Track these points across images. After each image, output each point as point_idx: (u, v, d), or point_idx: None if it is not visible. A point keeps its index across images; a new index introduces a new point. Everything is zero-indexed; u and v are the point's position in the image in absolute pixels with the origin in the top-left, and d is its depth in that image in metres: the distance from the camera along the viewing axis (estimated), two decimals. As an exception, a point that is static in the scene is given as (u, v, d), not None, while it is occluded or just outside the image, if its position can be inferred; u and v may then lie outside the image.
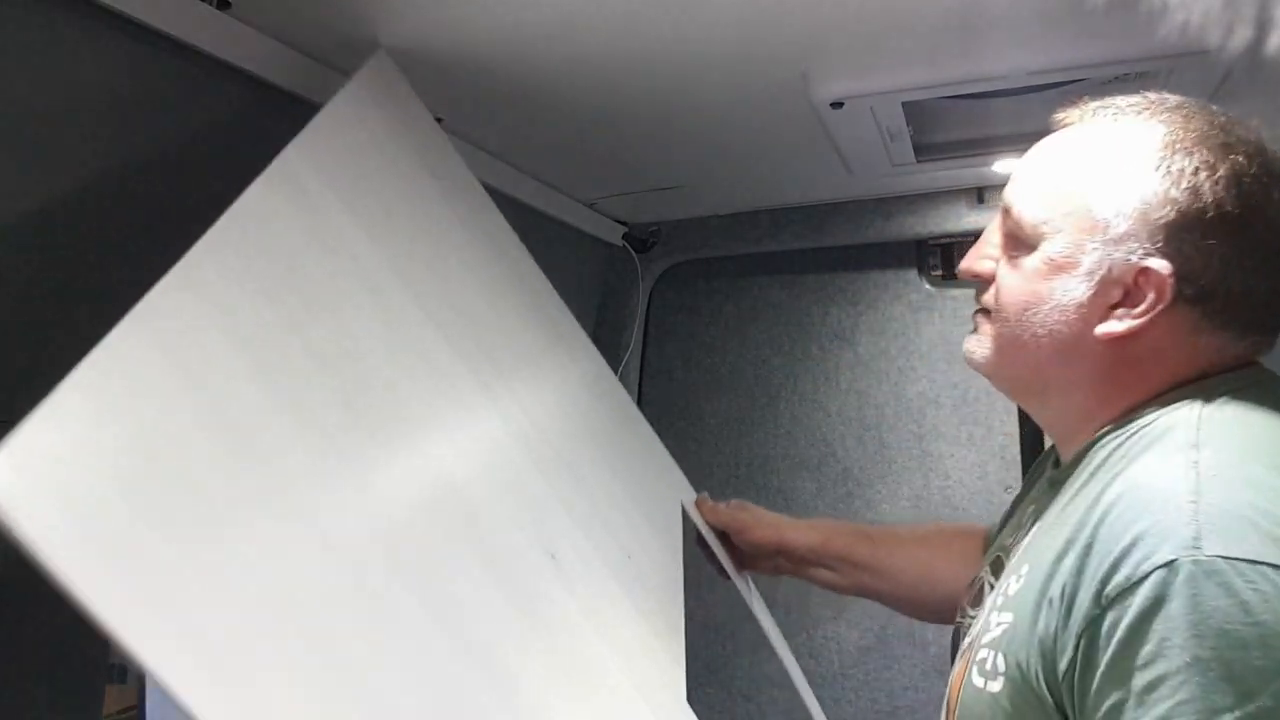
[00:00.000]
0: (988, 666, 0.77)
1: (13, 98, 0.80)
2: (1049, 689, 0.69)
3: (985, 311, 0.88)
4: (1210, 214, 0.73)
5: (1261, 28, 0.81)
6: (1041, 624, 0.70)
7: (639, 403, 2.01)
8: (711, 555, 1.22)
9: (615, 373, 1.96)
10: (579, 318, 1.94)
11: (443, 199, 1.00)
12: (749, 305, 1.95)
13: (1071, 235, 0.78)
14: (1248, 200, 0.73)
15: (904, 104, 1.16)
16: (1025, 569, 0.78)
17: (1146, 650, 0.61)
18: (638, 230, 1.91)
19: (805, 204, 1.79)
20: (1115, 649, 0.63)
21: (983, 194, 1.71)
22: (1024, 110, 1.25)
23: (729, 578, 1.22)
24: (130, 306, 0.94)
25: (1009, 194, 0.85)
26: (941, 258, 1.79)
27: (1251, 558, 0.60)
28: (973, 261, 0.89)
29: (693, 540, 1.24)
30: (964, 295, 1.79)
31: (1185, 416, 0.74)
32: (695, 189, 1.68)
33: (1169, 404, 0.77)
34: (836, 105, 1.16)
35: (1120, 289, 0.76)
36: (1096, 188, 0.77)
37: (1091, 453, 0.80)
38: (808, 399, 1.90)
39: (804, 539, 1.19)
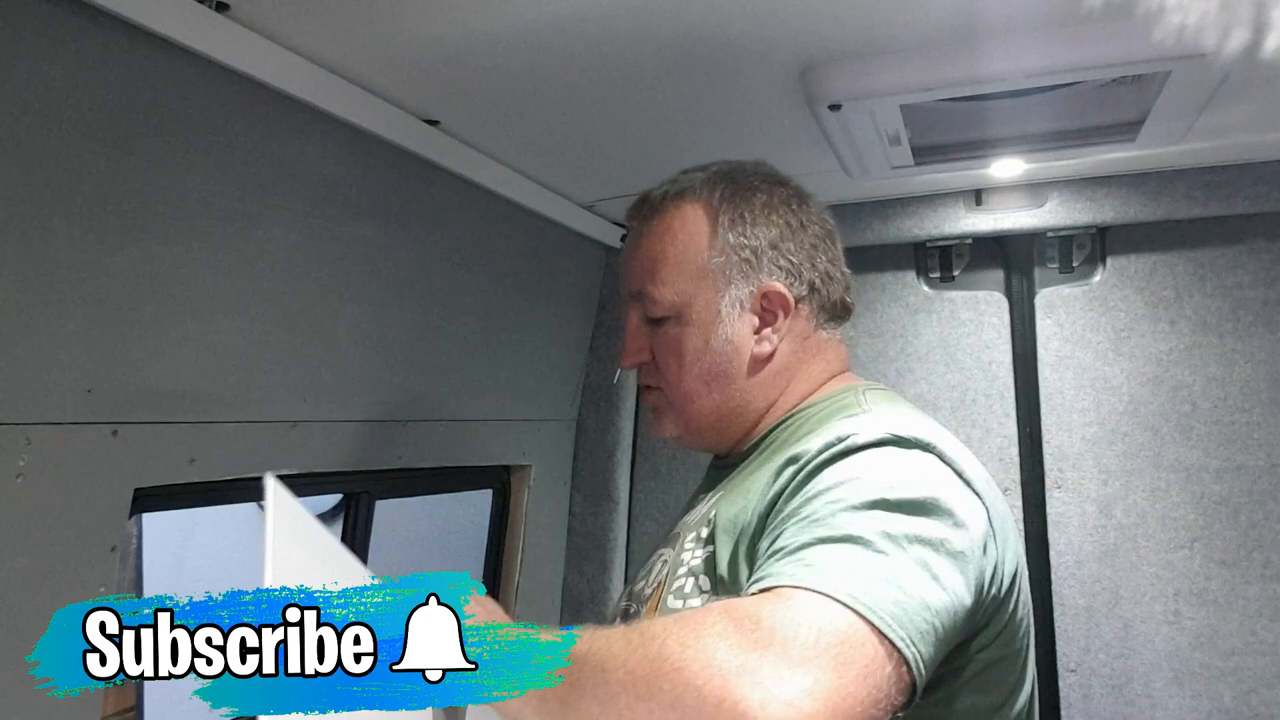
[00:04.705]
0: (687, 589, 0.88)
1: (13, 98, 0.80)
2: (748, 558, 0.84)
3: (658, 390, 1.03)
4: (787, 229, 1.00)
5: (1259, 31, 0.82)
6: (738, 530, 0.86)
7: (637, 406, 2.01)
8: None
9: (613, 377, 1.96)
10: (578, 320, 1.95)
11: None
12: (747, 307, 1.95)
13: (701, 293, 0.99)
14: (795, 212, 1.02)
15: (902, 106, 1.16)
16: (713, 515, 0.92)
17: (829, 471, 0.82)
18: (636, 232, 1.91)
19: (803, 206, 1.79)
20: (809, 472, 0.82)
21: (981, 196, 1.71)
22: (1023, 112, 1.25)
23: None
24: (127, 307, 0.94)
25: (635, 285, 1.03)
26: (940, 260, 1.79)
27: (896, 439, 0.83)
28: (631, 356, 1.05)
29: None
30: (963, 297, 1.79)
31: (850, 400, 0.95)
32: (694, 191, 1.67)
33: (826, 394, 0.99)
34: (834, 107, 1.16)
35: (754, 316, 1.00)
36: (701, 249, 0.99)
37: (769, 437, 0.99)
38: (806, 401, 1.90)
39: None
